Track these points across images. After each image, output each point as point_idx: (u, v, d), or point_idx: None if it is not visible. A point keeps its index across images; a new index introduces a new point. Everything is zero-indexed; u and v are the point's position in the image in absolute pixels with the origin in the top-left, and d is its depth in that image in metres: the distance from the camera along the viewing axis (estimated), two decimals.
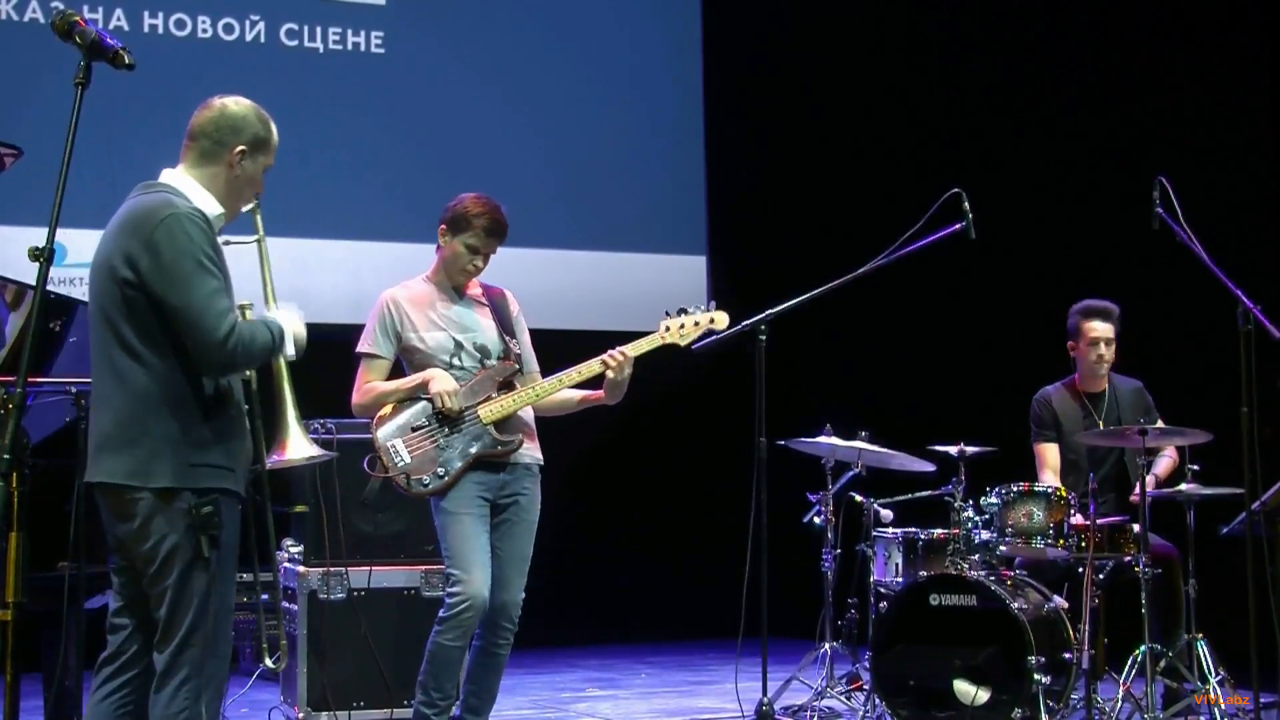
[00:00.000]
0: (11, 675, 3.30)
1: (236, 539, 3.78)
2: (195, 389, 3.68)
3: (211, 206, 3.81)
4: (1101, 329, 6.60)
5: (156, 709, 3.62)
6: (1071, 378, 6.73)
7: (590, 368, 5.12)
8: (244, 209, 4.01)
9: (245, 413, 3.86)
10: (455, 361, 5.15)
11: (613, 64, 9.62)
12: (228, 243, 3.94)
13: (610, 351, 5.10)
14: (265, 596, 7.52)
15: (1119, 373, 6.74)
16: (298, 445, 3.98)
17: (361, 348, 5.19)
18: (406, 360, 5.21)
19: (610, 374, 5.09)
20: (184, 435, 3.65)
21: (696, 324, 5.23)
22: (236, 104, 3.89)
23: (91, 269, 3.78)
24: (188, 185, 3.81)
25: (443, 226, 5.19)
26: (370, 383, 5.16)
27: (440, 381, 5.06)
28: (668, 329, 5.22)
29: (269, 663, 4.50)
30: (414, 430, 5.06)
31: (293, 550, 6.40)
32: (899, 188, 8.03)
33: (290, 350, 3.86)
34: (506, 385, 5.17)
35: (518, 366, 5.21)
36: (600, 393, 5.19)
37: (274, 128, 3.94)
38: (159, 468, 3.62)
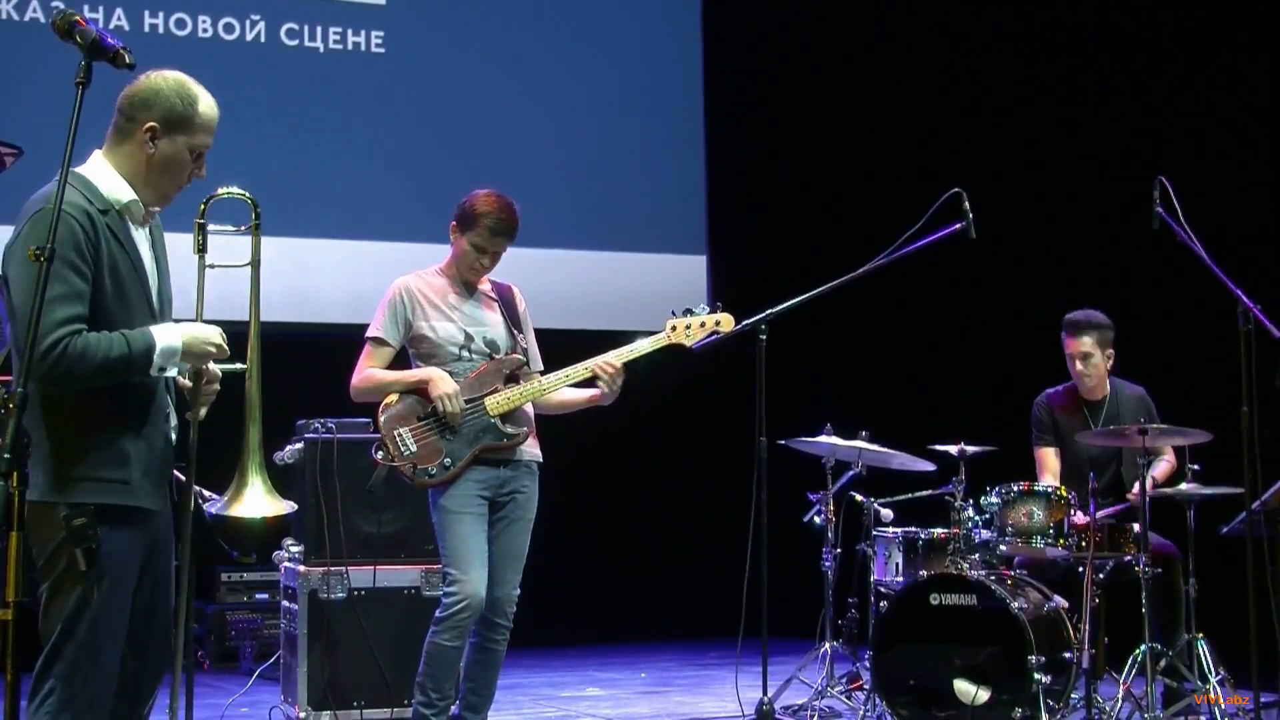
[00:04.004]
0: (12, 675, 3.29)
1: (131, 556, 3.56)
2: (79, 398, 3.49)
3: (120, 193, 3.58)
4: (1073, 345, 6.58)
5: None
6: (1073, 383, 6.72)
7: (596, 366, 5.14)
8: (245, 222, 3.82)
9: (167, 419, 3.65)
10: (464, 354, 5.15)
11: (613, 64, 9.62)
12: (212, 266, 3.76)
13: (601, 362, 5.11)
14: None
15: (1123, 378, 6.72)
16: (253, 502, 3.72)
17: (370, 332, 5.19)
18: (414, 349, 5.21)
19: (601, 385, 5.12)
20: (61, 447, 3.48)
21: (702, 325, 5.24)
22: (160, 77, 3.62)
23: None
24: (97, 169, 3.59)
25: (453, 223, 5.20)
26: (372, 368, 5.16)
27: (441, 384, 5.05)
28: (674, 329, 5.23)
29: None
30: (420, 419, 5.07)
31: (293, 549, 6.40)
32: (899, 187, 8.03)
33: (172, 370, 3.56)
34: (512, 379, 5.17)
35: (524, 360, 5.23)
36: (598, 392, 5.20)
37: (203, 105, 3.61)
38: (35, 480, 3.47)
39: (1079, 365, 6.59)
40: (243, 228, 3.89)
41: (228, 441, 3.83)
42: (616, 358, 5.12)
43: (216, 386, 3.72)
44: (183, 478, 3.88)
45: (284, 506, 3.80)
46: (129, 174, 3.62)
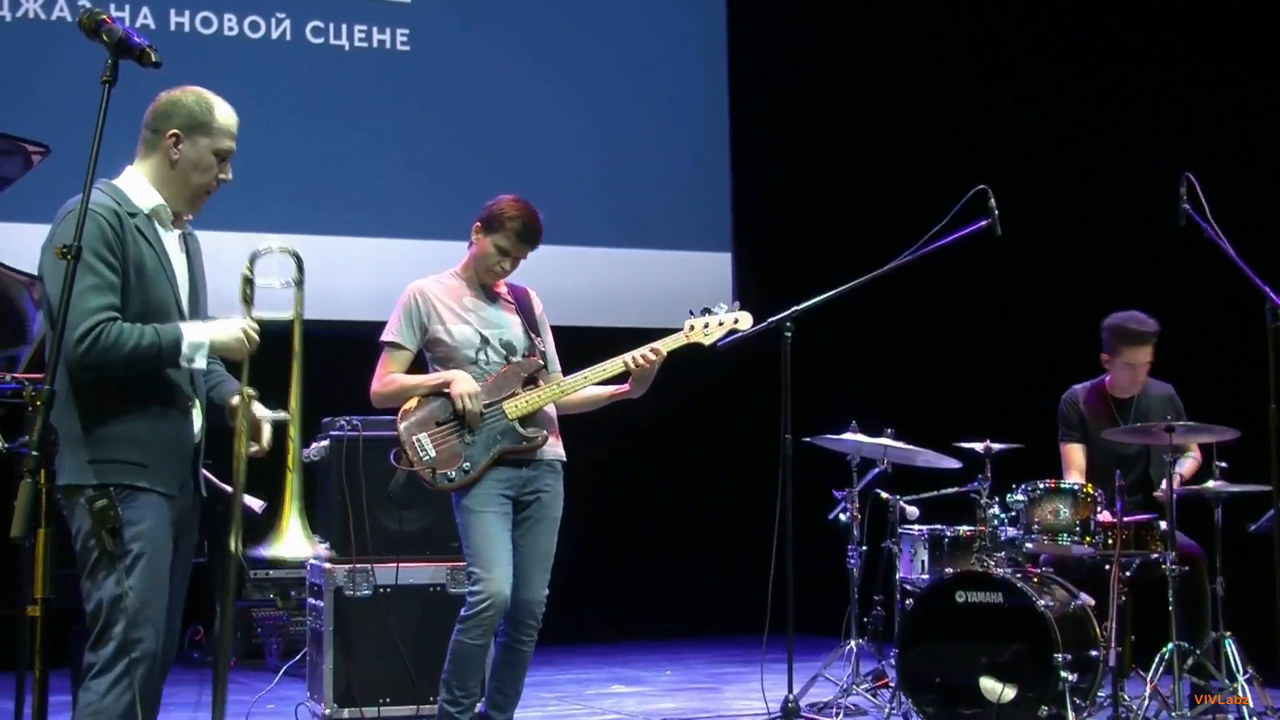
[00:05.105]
0: (40, 671, 3.32)
1: (161, 533, 3.72)
2: (102, 386, 3.67)
3: (148, 198, 3.79)
4: (1135, 354, 6.48)
5: (79, 706, 3.67)
6: (1102, 379, 6.67)
7: (615, 365, 5.12)
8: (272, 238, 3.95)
9: (188, 414, 3.82)
10: (480, 357, 5.15)
11: (638, 61, 9.62)
12: (260, 321, 3.85)
13: (643, 351, 5.09)
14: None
15: (1151, 375, 6.67)
16: (292, 544, 3.86)
17: (385, 337, 5.19)
18: (431, 353, 5.21)
19: (634, 377, 5.11)
20: (86, 432, 3.66)
21: (721, 324, 5.22)
22: (179, 90, 3.86)
23: None
24: (128, 179, 3.82)
25: (478, 224, 5.19)
26: (392, 374, 5.16)
27: (462, 383, 5.05)
28: (692, 328, 5.21)
29: None
30: (439, 425, 5.07)
31: (320, 547, 6.41)
32: (924, 184, 8.01)
33: (200, 362, 3.74)
34: (530, 381, 5.17)
35: (543, 363, 5.22)
36: (625, 387, 5.20)
37: (220, 110, 3.85)
38: (63, 465, 3.65)
39: (1138, 374, 6.51)
40: (287, 281, 3.98)
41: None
42: (624, 364, 5.09)
43: (264, 445, 3.87)
44: (212, 476, 3.98)
45: (320, 550, 3.90)
46: (157, 181, 3.83)
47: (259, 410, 3.85)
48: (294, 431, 3.87)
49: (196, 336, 3.73)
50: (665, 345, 5.15)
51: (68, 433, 3.66)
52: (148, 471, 3.71)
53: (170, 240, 3.84)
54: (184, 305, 3.83)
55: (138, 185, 3.81)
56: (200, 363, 3.75)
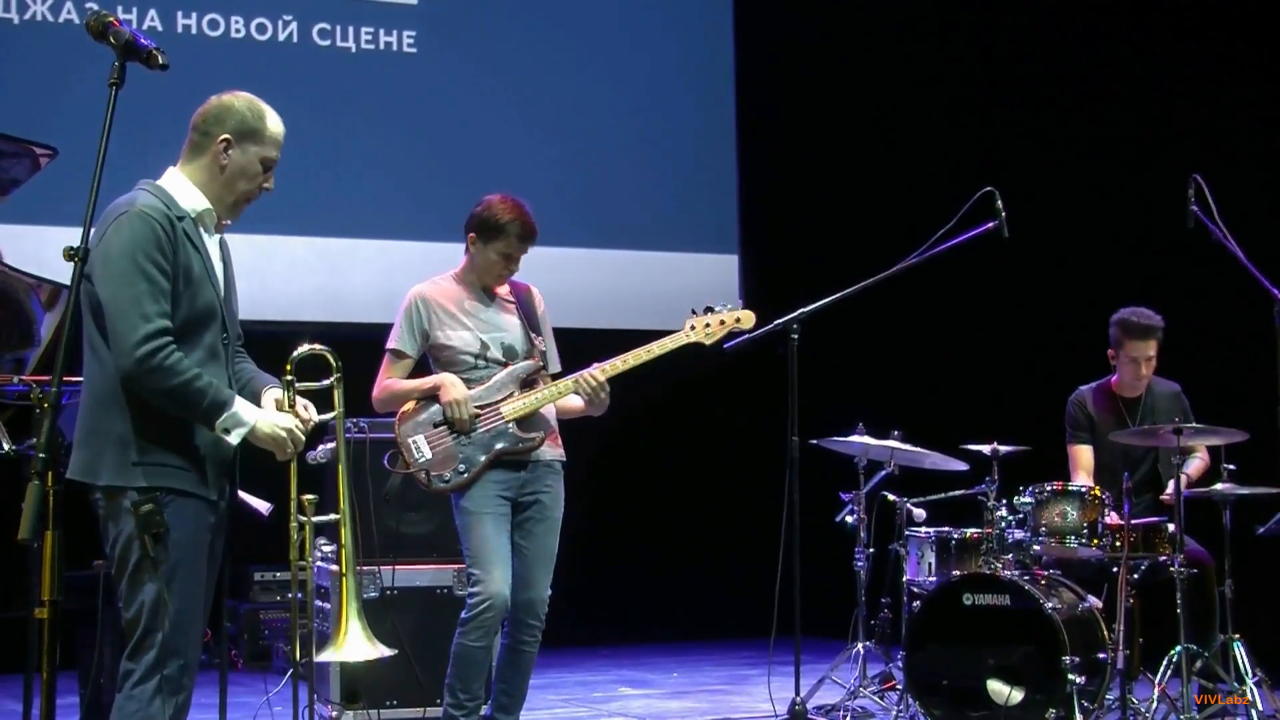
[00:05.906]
0: (48, 673, 3.32)
1: (201, 539, 3.71)
2: None
3: (195, 202, 3.78)
4: (1140, 349, 6.49)
5: (115, 713, 3.63)
6: (1108, 380, 6.67)
7: (612, 365, 5.12)
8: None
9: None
10: (481, 361, 5.15)
11: (644, 62, 9.62)
12: (306, 423, 3.85)
13: (585, 375, 5.08)
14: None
15: (1158, 374, 6.67)
16: (353, 646, 3.89)
17: (389, 344, 5.21)
18: (434, 357, 5.21)
19: (582, 397, 5.10)
20: (131, 434, 3.63)
21: (722, 323, 5.21)
22: (231, 96, 3.86)
23: None
24: (173, 181, 3.79)
25: (471, 234, 5.17)
26: (390, 379, 5.17)
27: (451, 390, 5.05)
28: (693, 328, 5.20)
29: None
30: (435, 427, 5.07)
31: (325, 549, 6.41)
32: (932, 185, 8.00)
33: (235, 437, 3.70)
34: (529, 383, 5.17)
35: (542, 365, 5.22)
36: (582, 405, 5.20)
37: (270, 119, 3.86)
38: (104, 466, 3.63)
39: (1142, 369, 6.51)
40: (326, 381, 3.99)
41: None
42: (623, 362, 5.09)
43: None
44: (243, 494, 4.01)
45: (382, 650, 3.95)
46: (203, 185, 3.81)
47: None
48: (345, 534, 3.90)
49: (245, 414, 3.70)
50: (665, 345, 5.15)
51: (110, 432, 3.63)
52: (193, 476, 3.69)
53: (212, 245, 3.83)
54: (221, 310, 3.81)
55: (183, 188, 3.79)
56: (234, 439, 3.71)
